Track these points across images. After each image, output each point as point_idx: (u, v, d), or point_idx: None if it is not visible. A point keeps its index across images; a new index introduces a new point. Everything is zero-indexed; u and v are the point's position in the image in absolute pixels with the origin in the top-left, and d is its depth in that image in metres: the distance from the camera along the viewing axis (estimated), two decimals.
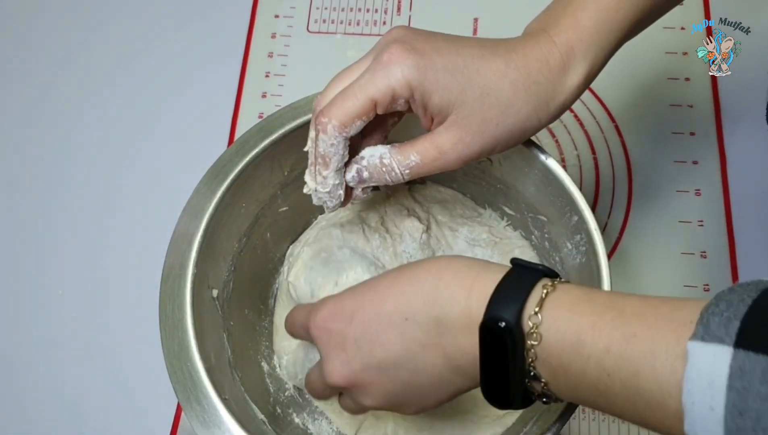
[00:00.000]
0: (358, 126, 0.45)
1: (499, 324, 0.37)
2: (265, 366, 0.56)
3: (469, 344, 0.38)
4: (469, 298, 0.39)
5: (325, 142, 0.45)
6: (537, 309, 0.37)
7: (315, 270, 0.55)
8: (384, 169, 0.47)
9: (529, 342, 0.37)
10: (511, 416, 0.53)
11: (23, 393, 0.64)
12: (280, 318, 0.58)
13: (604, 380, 0.35)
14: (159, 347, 0.47)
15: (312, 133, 0.46)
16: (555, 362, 0.36)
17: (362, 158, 0.47)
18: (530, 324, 0.37)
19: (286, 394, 0.56)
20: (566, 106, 0.47)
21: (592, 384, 0.35)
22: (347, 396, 0.45)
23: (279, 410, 0.54)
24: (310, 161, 0.47)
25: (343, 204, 0.49)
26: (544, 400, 0.39)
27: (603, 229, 0.67)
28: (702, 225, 0.68)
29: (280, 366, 0.57)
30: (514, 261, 0.40)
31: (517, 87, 0.44)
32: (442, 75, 0.44)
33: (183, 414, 0.55)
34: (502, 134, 0.45)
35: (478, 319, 0.38)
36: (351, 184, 0.48)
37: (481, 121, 0.44)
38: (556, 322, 0.36)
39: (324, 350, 0.44)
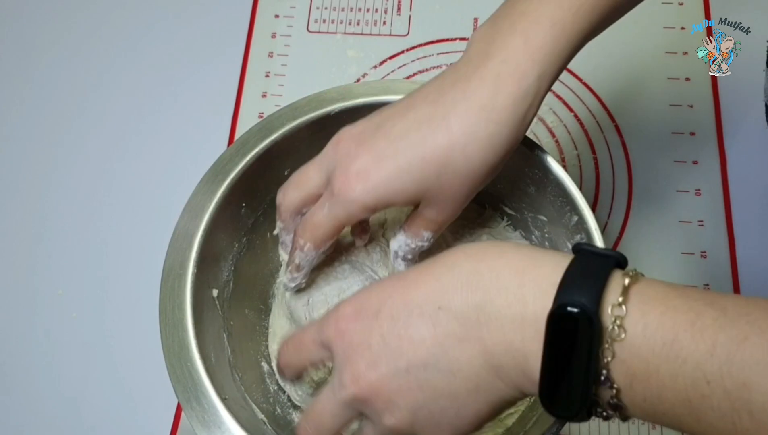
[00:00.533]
0: (330, 242, 0.48)
1: (573, 311, 0.31)
2: (265, 366, 0.56)
3: (519, 340, 0.33)
4: (522, 284, 0.34)
5: (301, 257, 0.48)
6: (621, 299, 0.31)
7: (315, 283, 0.53)
8: (417, 248, 0.49)
9: (608, 338, 0.31)
10: (511, 417, 0.53)
11: (23, 393, 0.64)
12: (275, 317, 0.58)
13: (701, 389, 0.29)
14: (159, 347, 0.47)
15: (279, 224, 0.50)
16: (638, 365, 0.31)
17: (397, 255, 0.50)
18: (612, 316, 0.31)
19: (286, 394, 0.56)
20: (531, 120, 0.45)
21: (682, 393, 0.30)
22: (366, 423, 0.39)
23: (279, 410, 0.54)
24: (288, 259, 0.50)
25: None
26: (605, 414, 0.33)
27: (603, 229, 0.67)
28: (702, 225, 0.68)
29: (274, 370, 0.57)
30: (580, 246, 0.35)
31: (469, 149, 0.43)
32: (394, 180, 0.44)
33: (183, 414, 0.55)
34: (477, 188, 0.45)
35: (536, 309, 0.33)
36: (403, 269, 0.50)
37: (450, 193, 0.45)
38: (645, 317, 0.31)
39: (343, 356, 0.37)
